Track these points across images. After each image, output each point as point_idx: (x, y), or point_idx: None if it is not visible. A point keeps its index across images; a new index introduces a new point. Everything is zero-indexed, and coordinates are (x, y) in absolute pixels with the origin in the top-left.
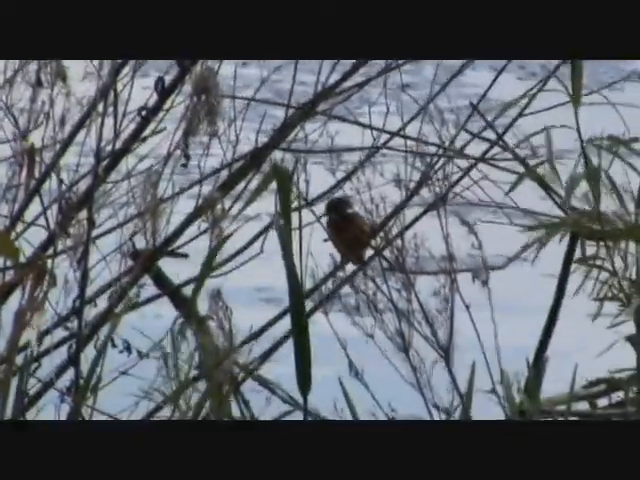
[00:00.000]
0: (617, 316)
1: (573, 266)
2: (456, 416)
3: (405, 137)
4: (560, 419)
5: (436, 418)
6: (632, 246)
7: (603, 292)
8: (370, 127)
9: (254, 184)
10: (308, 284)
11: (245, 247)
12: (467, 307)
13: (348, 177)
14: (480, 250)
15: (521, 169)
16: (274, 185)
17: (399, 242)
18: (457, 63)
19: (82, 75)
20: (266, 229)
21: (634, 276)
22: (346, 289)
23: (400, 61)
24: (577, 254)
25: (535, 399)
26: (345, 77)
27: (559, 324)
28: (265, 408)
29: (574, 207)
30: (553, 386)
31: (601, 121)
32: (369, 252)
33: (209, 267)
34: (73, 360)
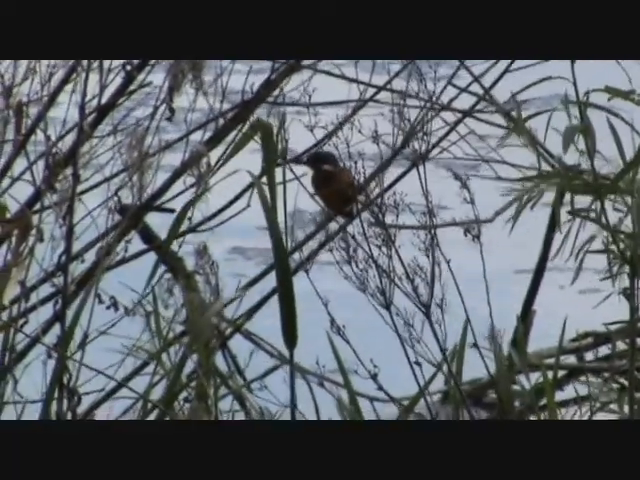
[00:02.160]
0: (608, 270)
1: (562, 221)
2: (444, 370)
3: (391, 90)
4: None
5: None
6: (620, 201)
7: (593, 246)
8: (356, 81)
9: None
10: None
11: (231, 202)
12: (448, 262)
13: (333, 132)
14: (472, 204)
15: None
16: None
17: (380, 199)
18: None
19: None
20: (252, 184)
21: (625, 229)
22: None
23: None
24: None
25: (523, 353)
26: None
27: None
28: (251, 362)
29: (561, 162)
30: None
31: (593, 75)
32: (354, 207)
33: (183, 217)
34: (59, 316)
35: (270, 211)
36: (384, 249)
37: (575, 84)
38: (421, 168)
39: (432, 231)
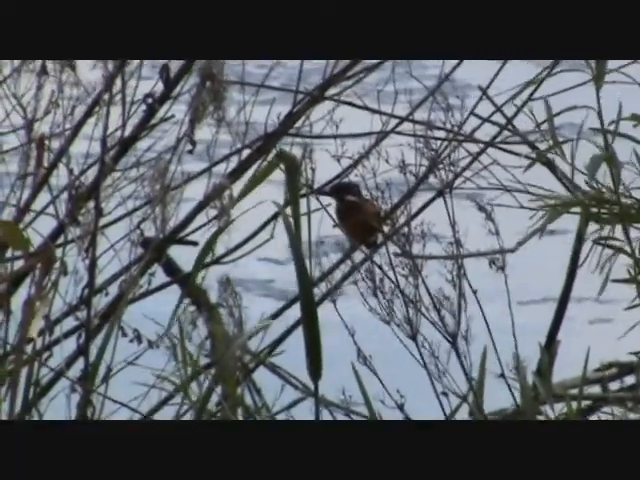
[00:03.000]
0: (635, 299)
1: (586, 249)
2: (470, 401)
3: (414, 122)
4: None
5: (446, 405)
6: None
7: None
8: (379, 112)
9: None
10: (318, 271)
11: (255, 233)
12: (474, 292)
13: (356, 163)
14: (497, 235)
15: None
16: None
17: (406, 228)
18: None
19: (91, 64)
20: (276, 215)
21: None
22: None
23: None
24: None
25: (547, 383)
26: (353, 63)
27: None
28: (277, 396)
29: (583, 189)
30: (568, 372)
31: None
32: (378, 237)
33: (208, 250)
34: (83, 350)
35: (295, 242)
36: (410, 279)
37: (600, 113)
38: (447, 198)
39: (459, 261)
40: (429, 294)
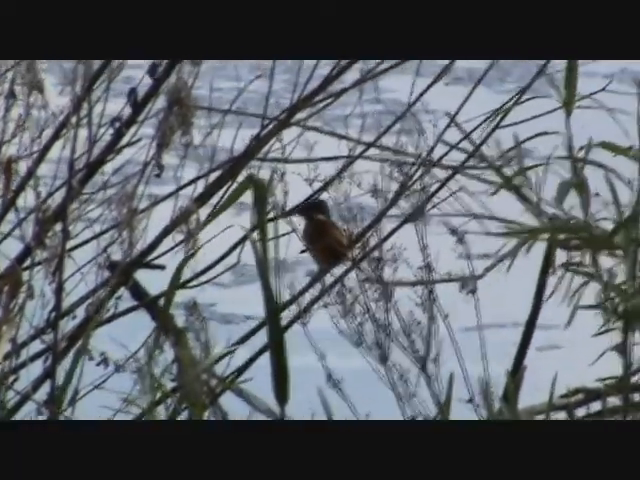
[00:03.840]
0: (603, 325)
1: (552, 274)
2: None
3: (382, 147)
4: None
5: None
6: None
7: (586, 300)
8: (346, 138)
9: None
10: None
11: (221, 258)
12: (445, 316)
13: (325, 187)
14: (468, 259)
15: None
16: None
17: (377, 253)
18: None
19: (59, 88)
20: (243, 240)
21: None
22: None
23: (377, 70)
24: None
25: (513, 408)
26: (321, 88)
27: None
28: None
29: (551, 215)
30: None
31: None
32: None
33: (178, 276)
34: (49, 373)
35: (262, 266)
36: (381, 303)
37: (570, 139)
38: (418, 223)
39: (429, 286)
40: (399, 319)
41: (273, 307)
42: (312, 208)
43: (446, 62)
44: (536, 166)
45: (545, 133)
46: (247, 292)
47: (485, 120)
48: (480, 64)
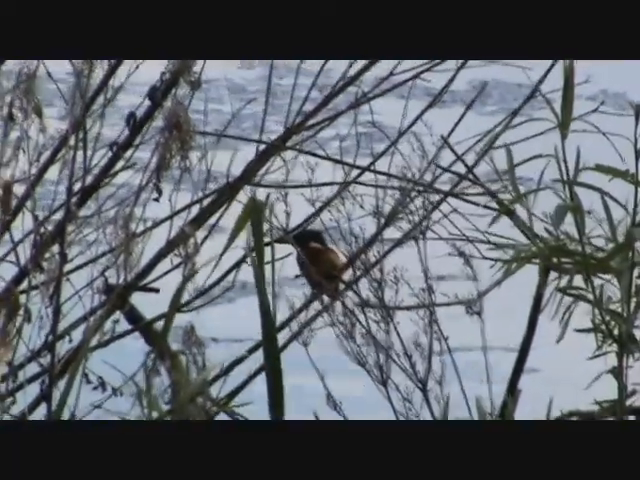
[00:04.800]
0: (598, 347)
1: (547, 296)
2: None
3: (375, 172)
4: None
5: None
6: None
7: (580, 323)
8: (341, 162)
9: (227, 219)
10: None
11: (218, 281)
12: (445, 339)
13: (320, 210)
14: (474, 281)
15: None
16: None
17: (378, 275)
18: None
19: (58, 114)
20: (239, 263)
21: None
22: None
23: (370, 95)
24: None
25: None
26: (314, 112)
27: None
28: None
29: (543, 237)
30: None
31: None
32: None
33: (177, 301)
34: (45, 396)
35: (260, 287)
36: (382, 325)
37: (565, 162)
38: (420, 244)
39: (431, 309)
40: (400, 341)
41: (270, 328)
42: (306, 237)
43: (439, 86)
44: (535, 191)
45: (540, 156)
46: (233, 309)
47: (477, 142)
48: (460, 85)
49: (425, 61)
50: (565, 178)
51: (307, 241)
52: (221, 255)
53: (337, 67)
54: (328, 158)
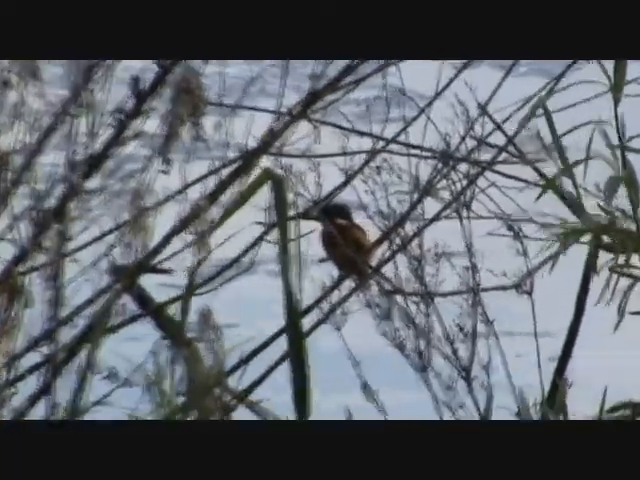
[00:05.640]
0: None
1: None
2: None
3: (404, 144)
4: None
5: None
6: None
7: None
8: (366, 133)
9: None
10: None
11: (235, 260)
12: (491, 322)
13: (348, 181)
14: (525, 257)
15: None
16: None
17: (417, 252)
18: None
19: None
20: (258, 240)
21: None
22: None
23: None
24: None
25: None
26: (338, 79)
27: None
28: None
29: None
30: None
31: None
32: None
33: (192, 284)
34: (46, 389)
35: (285, 268)
36: (422, 307)
37: (618, 128)
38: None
39: (475, 291)
40: (442, 326)
41: (294, 312)
42: (332, 212)
43: None
44: (584, 160)
45: (590, 122)
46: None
47: (519, 109)
48: None
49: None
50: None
51: (331, 217)
52: (227, 216)
53: None
54: (352, 130)
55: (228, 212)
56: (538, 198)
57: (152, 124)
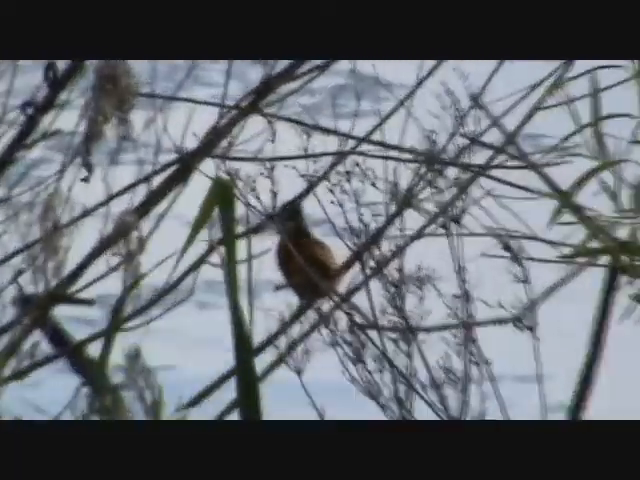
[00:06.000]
0: None
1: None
2: None
3: (379, 144)
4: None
5: None
6: None
7: None
8: (336, 132)
9: (179, 205)
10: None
11: (173, 286)
12: (487, 363)
13: (309, 190)
14: (525, 284)
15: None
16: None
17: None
18: None
19: None
20: (199, 262)
21: None
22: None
23: None
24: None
25: None
26: (296, 65)
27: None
28: None
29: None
30: None
31: None
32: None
33: (118, 317)
34: None
35: (232, 294)
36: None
37: None
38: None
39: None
40: (427, 368)
41: (245, 351)
42: (284, 217)
43: None
44: (616, 162)
45: (610, 116)
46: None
47: (521, 99)
48: None
49: None
50: None
51: (284, 224)
52: (182, 252)
53: None
54: (316, 127)
55: (188, 242)
56: (552, 221)
57: (69, 120)
